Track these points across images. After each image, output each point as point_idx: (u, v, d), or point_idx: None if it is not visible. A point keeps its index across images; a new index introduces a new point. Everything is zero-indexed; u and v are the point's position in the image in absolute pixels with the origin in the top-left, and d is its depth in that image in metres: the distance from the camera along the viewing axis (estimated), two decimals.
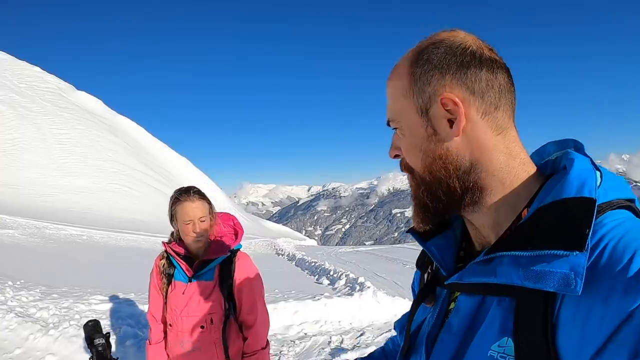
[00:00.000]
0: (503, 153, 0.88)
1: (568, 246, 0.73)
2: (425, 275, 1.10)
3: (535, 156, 0.99)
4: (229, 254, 2.69)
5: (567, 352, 0.72)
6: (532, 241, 0.77)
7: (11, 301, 7.36)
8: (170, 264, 2.72)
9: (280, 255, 22.32)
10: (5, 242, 16.68)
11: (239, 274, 2.66)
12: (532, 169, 0.91)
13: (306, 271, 15.26)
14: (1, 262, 11.71)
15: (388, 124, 0.98)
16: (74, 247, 17.34)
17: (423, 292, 1.05)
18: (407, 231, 1.09)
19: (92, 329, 2.80)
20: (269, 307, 7.65)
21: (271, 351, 6.47)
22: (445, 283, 0.95)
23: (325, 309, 8.43)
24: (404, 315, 1.31)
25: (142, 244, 23.39)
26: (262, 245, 29.74)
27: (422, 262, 1.14)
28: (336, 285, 11.17)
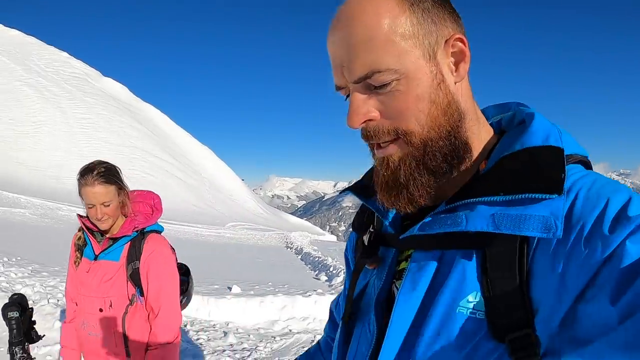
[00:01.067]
0: (473, 102, 0.85)
1: (545, 189, 0.71)
2: (365, 237, 0.99)
3: None
4: (134, 234, 2.50)
5: (542, 301, 0.70)
6: (504, 186, 0.74)
7: None
8: (84, 239, 2.58)
9: (289, 249, 22.11)
10: (14, 220, 17.37)
11: (146, 257, 2.47)
12: (486, 125, 0.88)
13: (308, 266, 15.02)
14: (3, 240, 12.14)
15: (361, 81, 0.78)
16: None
17: (366, 253, 0.96)
18: (343, 190, 1.02)
19: (9, 303, 2.63)
20: (256, 300, 7.86)
21: (246, 345, 6.31)
22: (400, 237, 0.86)
23: (315, 306, 8.16)
24: (340, 294, 1.23)
25: None
26: (275, 237, 29.38)
27: (361, 223, 1.04)
28: (333, 282, 10.95)
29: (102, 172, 2.40)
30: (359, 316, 0.97)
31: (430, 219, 0.81)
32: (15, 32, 74.32)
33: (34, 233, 14.83)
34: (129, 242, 2.50)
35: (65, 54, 73.34)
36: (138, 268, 2.46)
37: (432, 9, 0.78)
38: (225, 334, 6.67)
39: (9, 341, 2.55)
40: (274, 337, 6.87)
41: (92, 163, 2.46)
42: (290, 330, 7.37)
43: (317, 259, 15.48)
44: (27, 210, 20.83)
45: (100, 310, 2.45)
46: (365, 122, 0.81)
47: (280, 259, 17.37)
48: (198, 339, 6.39)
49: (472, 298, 0.75)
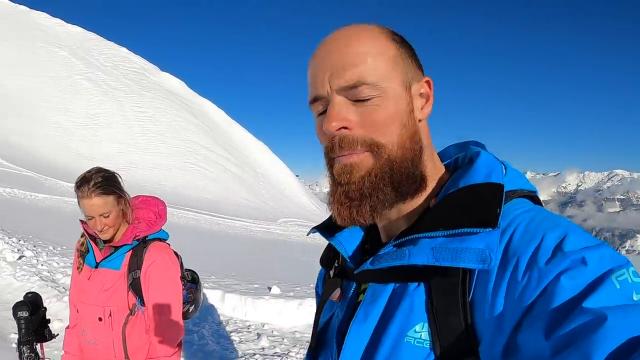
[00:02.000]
0: (430, 142, 0.91)
1: (481, 223, 0.76)
2: (331, 272, 1.05)
3: (439, 156, 1.00)
4: (135, 242, 2.43)
5: (485, 331, 0.74)
6: (444, 222, 0.79)
7: (41, 265, 8.22)
8: (87, 245, 2.53)
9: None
10: (67, 210, 17.69)
11: (147, 266, 2.39)
12: (439, 164, 0.94)
13: None
14: (53, 229, 12.48)
15: (349, 89, 0.83)
16: None
17: (330, 287, 1.02)
18: (311, 230, 1.07)
19: (20, 302, 2.65)
20: (295, 302, 7.62)
21: (278, 350, 6.11)
22: (355, 272, 0.93)
23: None
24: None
25: (201, 223, 23.54)
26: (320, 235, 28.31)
27: (327, 259, 1.10)
28: None
29: (98, 183, 2.31)
30: (324, 346, 1.01)
31: (380, 254, 0.85)
32: (77, 29, 76.54)
33: None
34: (131, 251, 2.44)
35: (124, 49, 75.14)
36: (139, 277, 2.39)
37: (410, 52, 0.89)
38: (259, 336, 6.49)
39: (17, 340, 2.61)
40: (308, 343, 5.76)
41: (88, 172, 2.37)
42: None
43: None
44: None
45: (100, 319, 2.40)
46: (340, 129, 0.84)
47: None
48: (230, 341, 6.25)
49: (419, 328, 0.79)
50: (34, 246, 9.71)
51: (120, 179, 2.45)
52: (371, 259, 0.87)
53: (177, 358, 2.47)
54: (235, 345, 6.06)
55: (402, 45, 0.88)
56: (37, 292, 2.88)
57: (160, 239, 2.55)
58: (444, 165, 0.97)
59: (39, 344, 2.72)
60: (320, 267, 1.18)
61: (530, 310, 0.68)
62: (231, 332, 6.62)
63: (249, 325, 7.02)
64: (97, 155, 42.17)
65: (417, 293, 0.82)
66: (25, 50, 62.13)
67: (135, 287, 2.40)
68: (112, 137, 48.19)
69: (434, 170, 0.92)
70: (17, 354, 2.62)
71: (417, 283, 0.82)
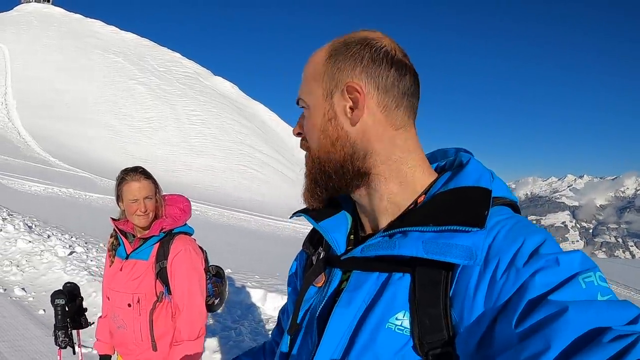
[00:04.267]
0: (399, 147, 0.94)
1: (469, 223, 0.80)
2: (314, 257, 1.10)
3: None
4: (161, 234, 2.61)
5: (462, 323, 0.79)
6: (435, 218, 0.83)
7: (90, 260, 8.49)
8: (117, 240, 2.75)
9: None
10: (117, 209, 16.97)
11: (173, 257, 2.57)
12: (427, 166, 0.98)
13: None
14: (104, 227, 11.75)
15: (297, 103, 1.02)
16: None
17: (313, 273, 1.06)
18: (298, 211, 1.10)
19: (57, 290, 2.85)
20: None
21: None
22: (342, 258, 0.97)
23: None
24: (288, 302, 1.30)
25: (251, 224, 23.66)
26: None
27: (311, 243, 1.14)
28: None
29: (144, 171, 2.63)
30: (303, 329, 1.03)
31: (370, 243, 0.90)
32: (130, 35, 78.68)
33: None
34: (159, 242, 2.60)
35: (177, 54, 76.77)
36: (165, 267, 2.56)
37: (344, 61, 0.94)
38: None
39: (54, 325, 2.82)
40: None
41: (130, 167, 2.67)
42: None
43: None
44: None
45: (129, 305, 2.57)
46: (298, 133, 1.03)
47: None
48: (267, 338, 5.66)
49: (401, 316, 0.84)
50: (85, 243, 9.92)
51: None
52: (360, 246, 0.91)
53: (201, 342, 2.62)
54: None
55: (335, 56, 0.95)
56: (85, 287, 3.26)
57: (185, 233, 2.71)
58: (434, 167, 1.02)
59: (75, 331, 2.92)
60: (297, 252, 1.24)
61: (505, 306, 0.74)
62: (269, 331, 6.47)
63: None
64: (150, 157, 42.84)
65: (400, 283, 0.86)
66: (81, 57, 63.99)
67: (162, 275, 2.56)
68: (165, 140, 49.13)
69: (414, 172, 0.95)
70: (54, 338, 2.83)
71: (401, 274, 0.86)
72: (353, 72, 0.93)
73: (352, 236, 1.04)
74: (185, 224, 2.74)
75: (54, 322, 2.82)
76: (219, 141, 52.99)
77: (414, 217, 0.87)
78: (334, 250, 1.02)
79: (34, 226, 10.47)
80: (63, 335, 2.80)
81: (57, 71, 57.82)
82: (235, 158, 49.96)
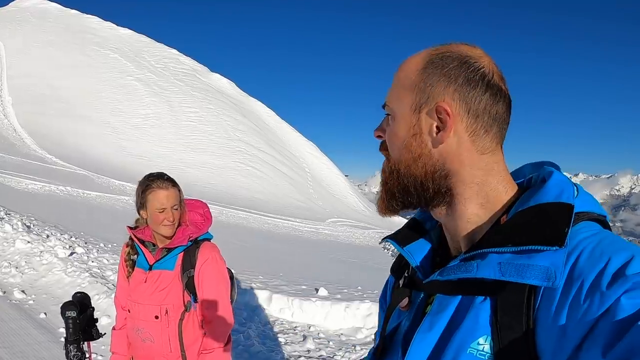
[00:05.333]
0: (482, 170, 0.92)
1: (548, 242, 0.77)
2: (401, 281, 1.09)
3: (513, 175, 1.02)
4: (189, 243, 2.55)
5: (545, 349, 0.75)
6: (512, 239, 0.81)
7: (92, 261, 8.37)
8: (135, 250, 2.67)
9: (386, 250, 21.20)
10: (117, 207, 18.67)
11: (201, 265, 2.53)
12: (511, 185, 0.95)
13: None
14: (103, 226, 12.90)
15: (383, 107, 1.01)
16: None
17: (398, 296, 1.06)
18: (383, 239, 1.12)
19: (68, 302, 2.74)
20: (342, 304, 7.52)
21: (324, 353, 6.07)
22: (424, 282, 0.97)
23: None
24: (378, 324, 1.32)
25: (251, 222, 23.49)
26: (374, 237, 28.50)
27: (398, 267, 1.14)
28: None
29: (170, 178, 2.56)
30: (389, 352, 1.04)
31: (450, 266, 0.88)
32: (127, 31, 78.32)
33: (134, 221, 14.75)
34: (183, 251, 2.55)
35: (174, 51, 76.47)
36: (193, 276, 2.51)
37: (439, 76, 0.91)
38: (305, 338, 6.43)
39: (65, 338, 2.71)
40: (354, 346, 6.38)
41: (154, 173, 2.60)
42: (372, 340, 5.20)
43: None
44: (130, 197, 21.81)
45: (156, 317, 2.51)
46: (379, 136, 1.02)
47: (374, 261, 17.12)
48: (276, 342, 6.22)
49: (483, 341, 0.81)
50: (85, 243, 9.83)
51: None
52: (440, 270, 0.90)
53: (229, 348, 2.62)
54: (281, 347, 6.09)
55: (432, 69, 0.92)
56: (87, 289, 3.06)
57: (208, 239, 2.67)
58: (519, 182, 0.99)
59: (85, 343, 2.81)
60: (389, 274, 1.22)
61: (591, 331, 0.69)
62: (277, 333, 6.64)
63: (295, 327, 6.97)
64: (148, 154, 42.76)
65: (483, 306, 0.83)
66: (78, 53, 63.70)
67: (189, 285, 2.52)
68: (162, 137, 48.88)
69: (496, 194, 0.92)
70: (64, 352, 2.70)
71: (483, 297, 0.84)
72: (446, 90, 0.90)
73: (437, 258, 1.03)
74: (207, 230, 2.70)
75: (64, 336, 2.73)
76: (216, 138, 52.86)
77: (493, 238, 0.84)
78: (418, 273, 1.02)
79: (32, 226, 10.34)
80: (75, 350, 2.69)
81: (54, 67, 57.52)
82: (232, 155, 49.77)
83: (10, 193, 15.88)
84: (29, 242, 8.76)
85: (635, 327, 0.64)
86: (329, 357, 5.96)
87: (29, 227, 10.02)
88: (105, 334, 2.88)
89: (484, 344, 0.81)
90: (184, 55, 75.87)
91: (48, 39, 66.35)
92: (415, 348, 0.90)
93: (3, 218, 10.22)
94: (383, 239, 1.12)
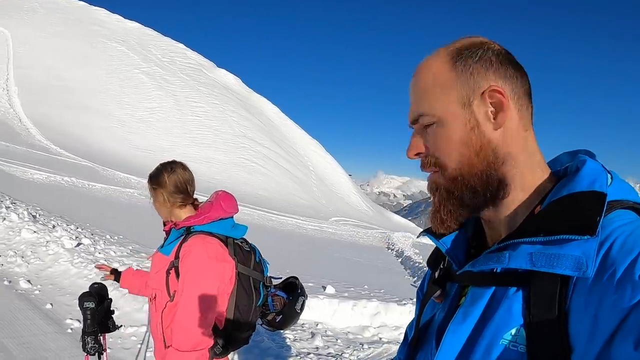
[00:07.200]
0: (527, 150, 0.92)
1: (579, 230, 0.76)
2: (436, 273, 1.10)
3: (550, 164, 1.02)
4: (182, 230, 2.48)
5: (578, 339, 0.74)
6: (544, 228, 0.81)
7: (99, 253, 8.32)
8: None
9: (390, 250, 21.57)
10: (122, 200, 18.60)
11: (182, 255, 2.39)
12: (547, 169, 0.95)
13: (408, 271, 14.80)
14: (109, 218, 12.93)
15: (414, 122, 0.98)
16: None
17: (433, 288, 1.07)
18: (421, 232, 1.12)
19: (86, 293, 2.77)
20: (349, 303, 7.58)
21: (332, 350, 6.09)
22: (457, 274, 0.97)
23: (410, 315, 7.48)
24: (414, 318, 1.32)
25: (255, 219, 23.34)
26: (377, 237, 28.28)
27: (434, 260, 1.15)
28: None
29: (149, 177, 2.57)
30: (423, 343, 1.05)
31: (482, 257, 0.89)
32: (134, 24, 78.40)
33: (140, 213, 15.27)
34: (180, 240, 2.48)
35: (181, 45, 76.57)
36: (177, 266, 2.42)
37: (474, 65, 0.91)
38: (313, 335, 6.48)
39: (82, 330, 2.71)
40: (362, 345, 6.48)
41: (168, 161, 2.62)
42: (380, 339, 6.93)
43: (417, 264, 15.16)
44: (136, 190, 21.73)
45: (150, 299, 2.56)
46: (417, 154, 0.98)
47: (379, 260, 17.18)
48: (284, 339, 6.23)
49: (515, 332, 0.81)
50: (92, 234, 9.78)
51: None
52: (473, 261, 0.90)
53: (188, 355, 2.31)
54: (290, 344, 6.11)
55: (463, 61, 0.91)
56: (94, 280, 3.00)
57: (208, 233, 2.47)
58: (556, 171, 0.98)
59: (102, 335, 2.81)
60: (427, 267, 1.22)
61: (623, 322, 0.68)
62: (286, 330, 6.37)
63: (303, 324, 7.02)
64: (152, 147, 42.61)
65: (515, 297, 0.83)
66: (85, 45, 63.69)
67: (177, 274, 2.42)
68: (167, 131, 48.84)
69: (534, 178, 0.92)
70: (81, 344, 2.71)
71: (516, 287, 0.83)
72: (487, 75, 0.90)
73: (472, 250, 1.02)
74: (211, 222, 2.49)
75: (82, 327, 2.72)
76: (221, 133, 52.78)
77: (526, 228, 0.84)
78: (452, 265, 1.02)
79: (38, 215, 10.27)
80: (93, 342, 2.69)
81: (60, 58, 57.47)
82: (237, 151, 49.72)
83: (15, 182, 15.80)
84: (34, 231, 8.69)
85: None
86: (338, 354, 5.99)
87: (34, 216, 9.95)
88: (121, 326, 2.93)
89: (517, 335, 0.80)
90: (191, 50, 76.11)
91: (55, 30, 66.30)
92: (449, 340, 0.90)
93: (9, 207, 10.14)
94: (421, 232, 1.13)
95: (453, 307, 0.98)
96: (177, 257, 2.41)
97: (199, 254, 2.39)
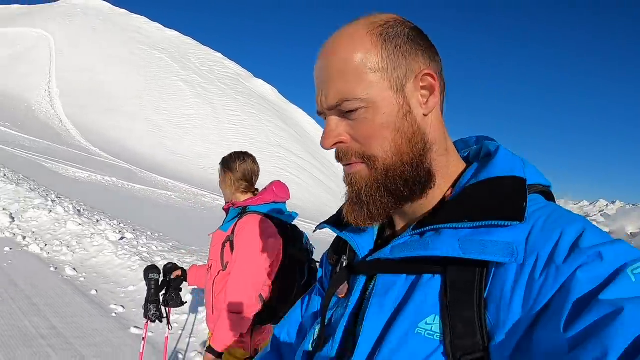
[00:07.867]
0: (445, 134, 0.89)
1: (509, 217, 0.75)
2: (338, 268, 1.05)
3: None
4: (238, 209, 2.75)
5: (497, 327, 0.72)
6: (470, 214, 0.78)
7: (141, 247, 8.59)
8: None
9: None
10: (160, 200, 18.96)
11: (237, 231, 2.65)
12: (456, 153, 0.92)
13: None
14: (149, 217, 13.29)
15: (333, 108, 0.85)
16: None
17: (336, 282, 1.00)
18: (318, 225, 1.08)
19: (152, 265, 3.07)
20: None
21: None
22: (367, 259, 0.92)
23: None
24: (286, 319, 1.26)
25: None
26: None
27: (335, 252, 1.09)
28: None
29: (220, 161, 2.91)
30: (328, 342, 0.96)
31: (398, 242, 0.84)
32: (174, 33, 79.80)
33: (177, 214, 15.93)
34: (237, 218, 2.71)
35: (219, 55, 77.62)
36: (232, 241, 2.65)
37: (405, 45, 0.83)
38: None
39: (145, 299, 3.03)
40: None
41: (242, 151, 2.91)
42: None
43: None
44: (173, 193, 22.24)
45: (207, 269, 2.84)
46: (336, 144, 0.87)
47: None
48: None
49: (431, 320, 0.78)
50: (134, 230, 9.94)
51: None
52: (389, 247, 0.85)
53: (243, 323, 2.54)
54: None
55: (393, 40, 0.83)
56: (138, 271, 3.40)
57: (260, 213, 2.68)
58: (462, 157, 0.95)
59: (168, 309, 3.13)
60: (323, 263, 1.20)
61: (547, 307, 0.68)
62: None
63: None
64: (189, 153, 43.24)
65: (430, 284, 0.80)
66: (125, 51, 65.14)
67: (231, 248, 2.65)
68: (204, 138, 49.44)
69: (449, 163, 0.89)
70: (143, 311, 3.01)
71: (431, 274, 0.80)
72: (417, 57, 0.84)
73: (379, 240, 0.96)
74: (265, 204, 2.74)
75: (145, 296, 3.02)
76: (257, 142, 53.12)
77: (446, 212, 0.80)
78: (358, 256, 0.96)
79: (82, 210, 10.44)
80: (155, 309, 2.96)
81: (101, 63, 58.94)
82: (272, 160, 49.98)
83: (58, 179, 16.12)
84: (79, 224, 8.88)
85: (596, 301, 0.63)
86: None
87: (79, 211, 10.17)
88: (187, 302, 3.12)
89: (432, 323, 0.77)
90: (229, 60, 77.07)
91: (96, 35, 68.05)
92: (367, 331, 0.85)
93: (55, 200, 10.37)
94: (318, 225, 1.09)
95: (361, 301, 0.92)
96: (233, 232, 2.65)
97: (252, 230, 2.62)
